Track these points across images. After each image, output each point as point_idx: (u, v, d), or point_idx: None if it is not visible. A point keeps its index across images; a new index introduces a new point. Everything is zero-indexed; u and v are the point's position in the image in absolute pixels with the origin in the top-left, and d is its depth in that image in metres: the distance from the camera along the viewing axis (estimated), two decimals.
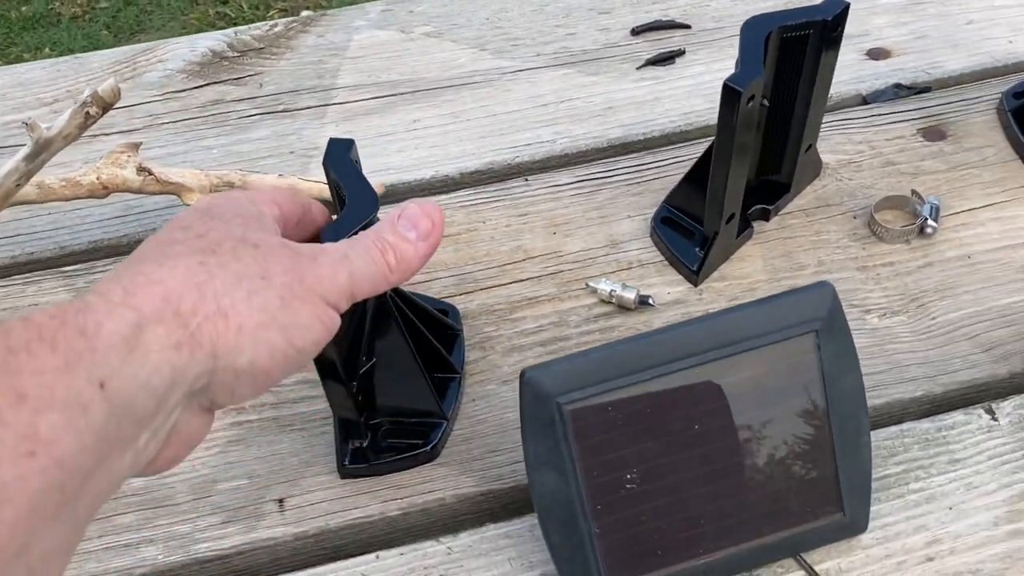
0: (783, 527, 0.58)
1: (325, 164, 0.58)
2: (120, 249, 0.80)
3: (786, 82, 0.69)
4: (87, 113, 0.60)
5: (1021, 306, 0.71)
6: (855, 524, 0.59)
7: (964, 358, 0.68)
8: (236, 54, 0.96)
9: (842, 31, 0.67)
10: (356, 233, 0.52)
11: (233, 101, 0.92)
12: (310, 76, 0.94)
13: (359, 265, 0.46)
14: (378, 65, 0.94)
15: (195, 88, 0.93)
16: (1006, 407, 0.65)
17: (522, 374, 0.54)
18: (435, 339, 0.67)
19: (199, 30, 2.37)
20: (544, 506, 0.55)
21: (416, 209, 0.49)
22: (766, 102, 0.68)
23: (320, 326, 0.44)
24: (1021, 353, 0.68)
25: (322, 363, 0.57)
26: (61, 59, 0.97)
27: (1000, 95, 0.84)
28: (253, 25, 0.99)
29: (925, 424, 0.65)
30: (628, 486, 0.55)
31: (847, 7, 0.66)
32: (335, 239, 0.51)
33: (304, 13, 2.36)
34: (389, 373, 0.63)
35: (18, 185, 0.61)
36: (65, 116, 0.61)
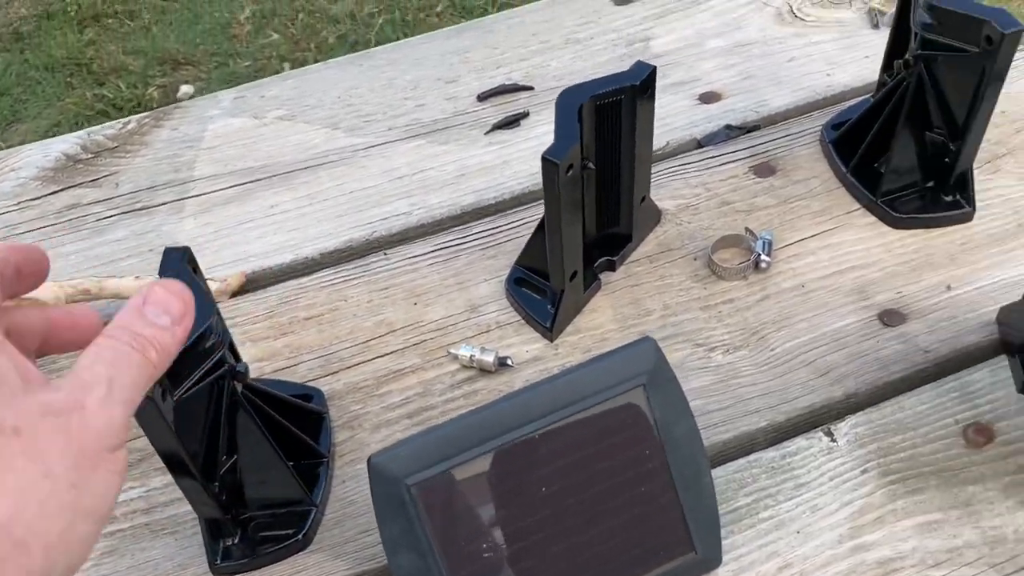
0: (641, 573, 0.61)
1: (160, 274, 0.60)
2: None
3: (609, 143, 0.73)
4: None
5: (851, 328, 0.75)
6: (708, 560, 0.62)
7: (803, 384, 0.72)
8: (90, 155, 0.97)
9: (653, 91, 0.72)
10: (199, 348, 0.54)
11: (90, 204, 0.92)
12: (166, 171, 0.95)
13: (126, 381, 0.41)
14: (233, 153, 0.95)
15: (50, 194, 0.93)
16: (843, 427, 0.70)
17: (368, 460, 0.56)
18: (298, 426, 0.68)
19: (77, 115, 2.34)
20: None
21: (162, 292, 0.45)
22: (591, 165, 0.72)
23: (116, 478, 0.40)
24: (854, 374, 0.73)
25: (173, 465, 0.58)
26: None
27: (821, 127, 0.90)
28: (106, 124, 1.00)
29: (771, 453, 0.69)
30: (486, 555, 0.57)
31: (654, 70, 0.70)
32: None
33: (183, 88, 2.36)
34: (251, 467, 0.65)
35: None
36: None
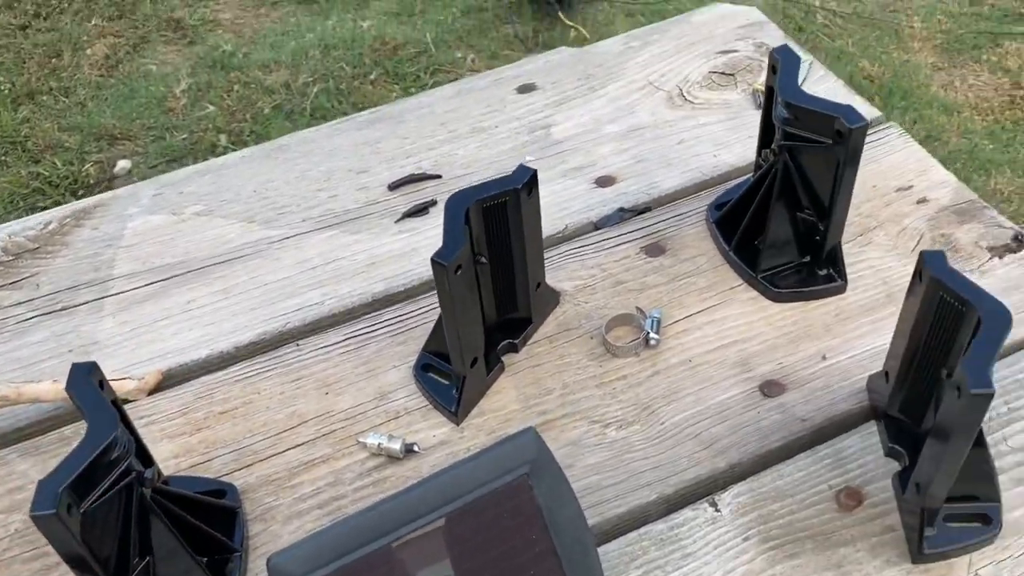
0: None
1: (67, 391, 0.63)
2: None
3: (499, 239, 0.78)
4: None
5: (733, 401, 0.81)
6: None
7: (690, 456, 0.77)
8: (11, 257, 1.00)
9: (536, 191, 0.77)
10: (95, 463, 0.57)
11: (11, 306, 0.95)
12: (87, 270, 0.98)
13: None
14: (152, 250, 0.99)
15: None
16: (726, 497, 0.74)
17: (268, 561, 0.59)
18: (210, 522, 0.71)
19: (12, 194, 2.35)
20: None
21: None
22: (484, 260, 0.77)
23: None
24: (737, 445, 0.78)
25: (82, 571, 0.61)
26: None
27: (706, 207, 0.96)
28: (27, 224, 1.03)
29: (660, 525, 0.73)
30: None
31: (535, 173, 0.76)
32: (72, 469, 0.56)
33: (120, 164, 2.39)
34: (165, 568, 0.67)
35: None
36: None
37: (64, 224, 1.03)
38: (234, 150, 2.16)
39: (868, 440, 0.77)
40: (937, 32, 2.76)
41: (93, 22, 2.91)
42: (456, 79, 2.24)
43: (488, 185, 0.75)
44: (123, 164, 2.44)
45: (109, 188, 2.26)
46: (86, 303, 0.95)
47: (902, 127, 1.04)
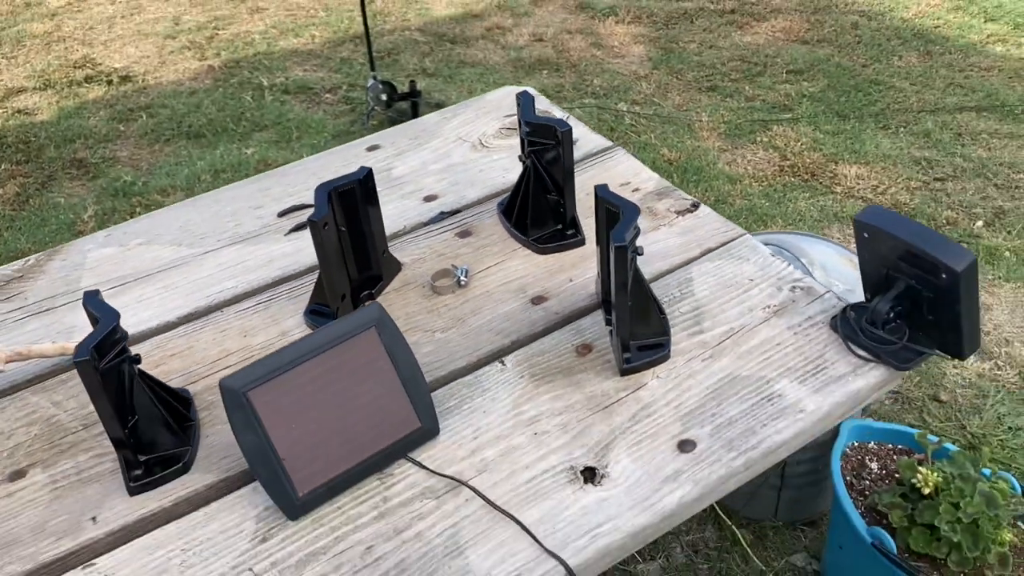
0: (391, 440, 1.05)
1: (84, 304, 1.03)
2: None
3: (353, 215, 1.22)
4: None
5: (515, 310, 1.25)
6: (430, 430, 1.08)
7: (486, 340, 1.21)
8: (2, 284, 1.37)
9: (373, 185, 1.22)
10: (113, 337, 0.97)
11: (6, 312, 1.32)
12: (61, 285, 1.36)
13: None
14: (108, 269, 1.38)
15: None
16: (509, 359, 1.18)
17: (220, 383, 0.99)
18: (175, 401, 1.10)
19: None
20: (250, 455, 0.99)
21: None
22: (343, 228, 1.21)
23: None
24: (516, 331, 1.22)
25: (103, 413, 0.99)
26: None
27: (497, 205, 1.43)
28: (13, 265, 1.41)
29: (468, 377, 1.16)
30: (294, 430, 1.01)
31: (370, 171, 1.21)
32: (87, 347, 0.95)
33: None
34: (146, 424, 1.06)
35: None
36: None
37: (40, 260, 1.42)
38: None
39: (596, 318, 1.23)
40: (720, 123, 3.42)
41: (3, 166, 3.28)
42: None
43: (341, 178, 1.20)
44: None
45: None
46: (64, 305, 1.33)
47: (695, 195, 1.54)
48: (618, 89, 3.65)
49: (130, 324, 1.28)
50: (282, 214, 1.47)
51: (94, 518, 1.03)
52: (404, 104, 3.41)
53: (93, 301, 1.03)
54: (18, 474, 1.09)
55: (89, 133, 3.47)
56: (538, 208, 1.34)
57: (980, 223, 2.88)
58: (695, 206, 1.41)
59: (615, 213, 1.11)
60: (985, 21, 4.04)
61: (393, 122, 3.42)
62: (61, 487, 1.07)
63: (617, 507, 0.99)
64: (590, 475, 1.03)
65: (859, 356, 1.13)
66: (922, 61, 3.77)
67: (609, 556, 0.97)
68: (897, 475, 1.82)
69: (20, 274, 1.39)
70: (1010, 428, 2.24)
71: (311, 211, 1.43)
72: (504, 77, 3.76)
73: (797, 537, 2.02)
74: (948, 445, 1.76)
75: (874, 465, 1.84)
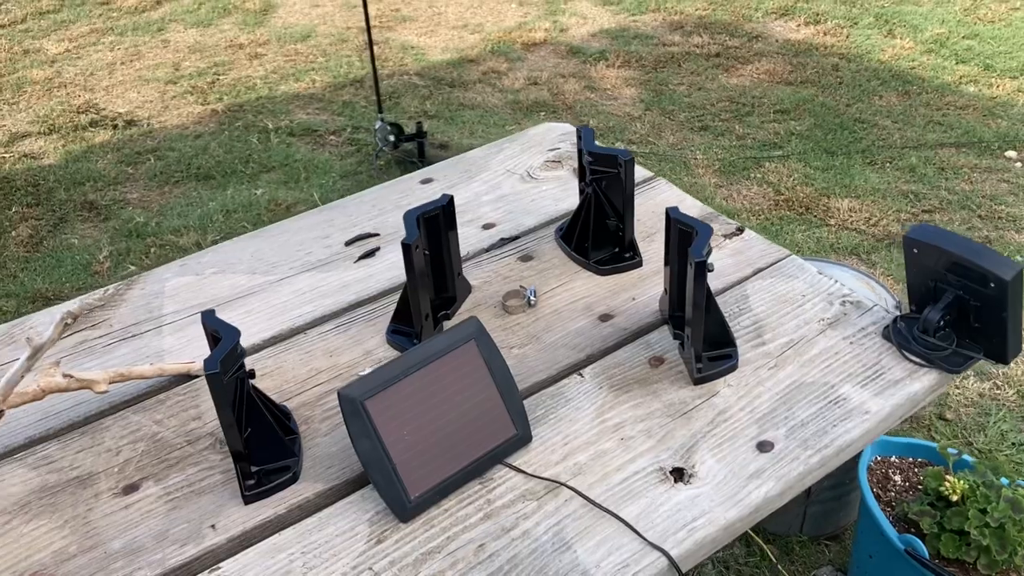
0: (490, 446, 1.12)
1: (203, 322, 1.09)
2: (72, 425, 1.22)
3: (436, 239, 1.30)
4: (66, 324, 1.06)
5: (584, 326, 1.33)
6: (525, 437, 1.15)
7: (563, 355, 1.29)
8: (87, 311, 1.43)
9: (453, 211, 1.30)
10: (234, 353, 1.03)
11: (95, 339, 1.38)
12: (143, 313, 1.42)
13: None
14: (187, 296, 1.45)
15: (64, 337, 1.38)
16: (587, 371, 1.26)
17: (338, 392, 1.06)
18: (280, 414, 1.16)
19: None
20: (366, 460, 1.06)
21: None
22: (426, 252, 1.29)
23: None
24: (589, 345, 1.30)
25: (225, 420, 1.05)
26: None
27: (554, 231, 1.52)
28: (93, 294, 1.47)
29: (551, 388, 1.24)
30: (406, 436, 1.08)
31: (451, 199, 1.29)
32: (216, 360, 1.02)
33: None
34: (258, 436, 1.12)
35: (22, 376, 1.04)
36: (50, 329, 1.06)
37: (119, 290, 1.48)
38: None
39: (663, 333, 1.31)
40: (715, 161, 3.56)
41: (14, 209, 3.31)
42: None
43: (425, 205, 1.28)
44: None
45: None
46: (149, 331, 1.39)
47: None
48: (614, 129, 3.78)
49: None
50: (349, 243, 1.54)
51: (213, 525, 1.08)
52: (409, 145, 3.50)
53: (212, 319, 1.10)
54: (132, 487, 1.14)
55: (98, 176, 3.52)
56: (598, 232, 1.43)
57: None
58: (740, 230, 1.51)
59: (688, 233, 1.20)
60: (956, 63, 4.25)
61: (400, 162, 3.52)
62: (176, 498, 1.12)
63: (709, 503, 1.07)
64: (679, 475, 1.11)
65: (913, 362, 1.23)
66: (901, 100, 3.96)
67: (705, 548, 1.05)
68: (920, 486, 1.91)
69: (102, 302, 1.45)
70: (1014, 444, 2.36)
71: (376, 239, 1.51)
72: (503, 119, 3.88)
73: (821, 551, 2.10)
74: (966, 457, 1.86)
75: (897, 477, 1.93)
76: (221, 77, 4.25)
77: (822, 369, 1.23)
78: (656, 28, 4.70)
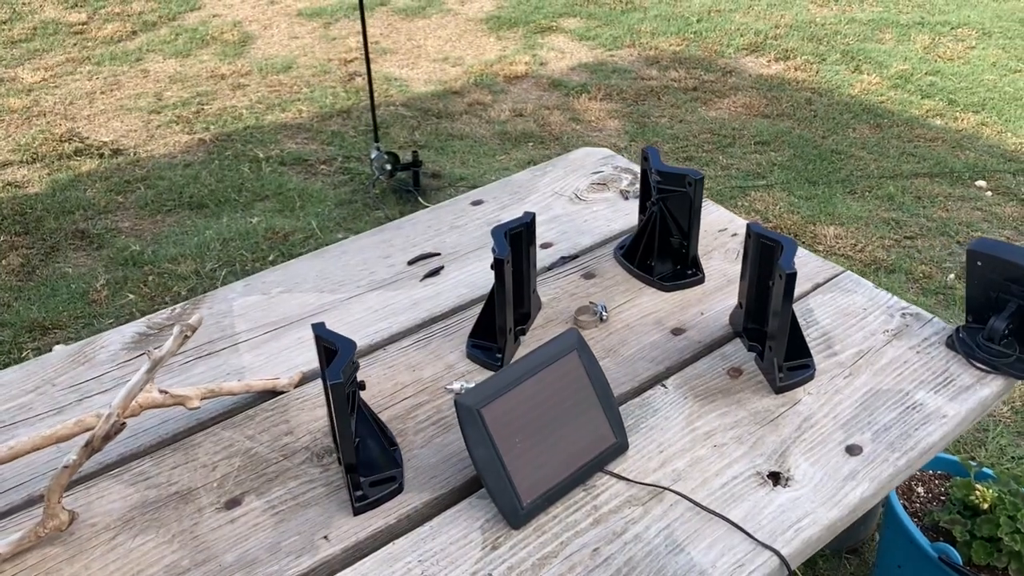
0: (593, 454, 1.15)
1: (315, 334, 1.11)
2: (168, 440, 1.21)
3: (517, 256, 1.33)
4: (185, 336, 1.06)
5: (659, 340, 1.38)
6: (623, 445, 1.18)
7: (643, 367, 1.32)
8: (156, 331, 1.42)
9: (534, 231, 1.34)
10: (351, 365, 1.05)
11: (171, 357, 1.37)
12: (215, 332, 1.42)
13: None
14: (258, 315, 1.45)
15: (138, 356, 1.37)
16: (669, 382, 1.30)
17: (455, 400, 1.08)
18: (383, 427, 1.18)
19: None
20: (482, 467, 1.08)
21: None
22: (510, 264, 1.32)
23: None
24: (668, 358, 1.34)
25: (342, 424, 1.06)
26: (27, 363, 1.36)
27: (612, 250, 1.56)
28: (161, 313, 1.46)
29: (636, 399, 1.27)
30: (519, 444, 1.10)
31: (534, 216, 1.33)
32: (338, 371, 1.03)
33: (56, 348, 2.69)
34: (364, 447, 1.13)
35: (141, 389, 1.04)
36: (169, 342, 1.06)
37: (186, 309, 1.47)
38: None
39: (736, 345, 1.36)
40: (703, 190, 3.64)
41: (2, 238, 3.25)
42: None
43: (511, 222, 1.31)
44: (59, 348, 2.75)
45: None
46: (224, 349, 1.39)
47: None
48: None
49: (299, 363, 1.35)
50: (412, 262, 1.56)
51: (326, 536, 1.09)
52: (404, 174, 3.53)
53: (325, 331, 1.11)
54: (234, 502, 1.14)
55: (87, 204, 3.47)
56: (662, 250, 1.48)
57: (952, 276, 3.16)
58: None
59: (771, 247, 1.25)
60: (922, 98, 4.44)
61: (395, 191, 3.54)
62: (281, 511, 1.12)
63: (810, 504, 1.11)
64: (776, 478, 1.15)
65: (980, 368, 1.29)
66: (874, 132, 4.11)
67: (811, 547, 1.09)
68: (943, 497, 1.98)
69: (171, 321, 1.45)
70: (1013, 458, 2.45)
71: (437, 259, 1.54)
72: (493, 148, 3.93)
73: (843, 564, 2.16)
74: (986, 469, 1.94)
75: (920, 489, 2.00)
76: (205, 107, 4.23)
77: (895, 377, 1.29)
78: (633, 63, 4.82)
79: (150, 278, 3.05)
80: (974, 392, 1.26)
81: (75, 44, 4.95)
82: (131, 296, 2.97)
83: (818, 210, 3.52)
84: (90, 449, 1.03)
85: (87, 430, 1.14)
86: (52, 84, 4.48)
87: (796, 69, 4.73)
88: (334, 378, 1.04)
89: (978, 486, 1.81)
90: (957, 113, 4.29)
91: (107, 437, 1.03)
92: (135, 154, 3.84)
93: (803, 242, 3.32)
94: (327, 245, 3.31)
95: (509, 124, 4.15)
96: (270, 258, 3.15)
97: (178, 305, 1.49)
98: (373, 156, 3.45)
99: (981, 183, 3.75)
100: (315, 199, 3.53)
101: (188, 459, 1.20)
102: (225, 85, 4.46)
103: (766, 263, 1.28)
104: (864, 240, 3.33)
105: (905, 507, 1.96)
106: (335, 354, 1.09)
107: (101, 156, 3.80)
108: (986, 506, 1.78)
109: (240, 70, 4.62)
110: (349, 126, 4.09)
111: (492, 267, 1.26)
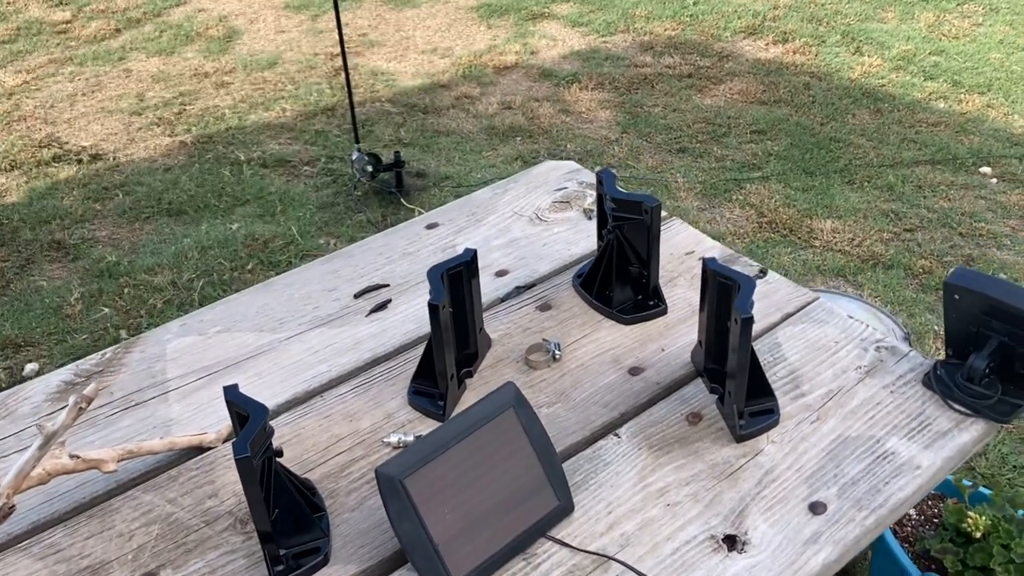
0: (533, 520, 1.06)
1: (226, 399, 1.02)
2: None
3: (457, 295, 1.24)
4: (80, 408, 0.98)
5: (614, 381, 1.28)
6: (566, 507, 1.09)
7: (596, 414, 1.23)
8: (83, 379, 1.35)
9: (476, 266, 1.25)
10: (263, 433, 0.96)
11: (95, 408, 1.29)
12: (146, 378, 1.34)
13: None
14: (192, 359, 1.37)
15: (62, 408, 1.29)
16: (622, 431, 1.21)
17: (376, 471, 0.99)
18: (306, 491, 1.09)
19: None
20: (407, 544, 0.99)
21: None
22: (450, 309, 1.23)
23: None
24: (622, 403, 1.25)
25: (253, 500, 0.98)
26: None
27: (571, 278, 1.47)
28: (89, 359, 1.38)
29: (588, 451, 1.18)
30: (447, 515, 1.01)
31: (475, 253, 1.24)
32: (245, 444, 0.94)
33: (28, 367, 2.63)
34: (287, 515, 1.05)
35: (34, 467, 0.96)
36: (63, 415, 0.98)
37: (117, 353, 1.39)
38: None
39: (698, 386, 1.27)
40: (696, 183, 3.54)
41: None
42: None
43: (449, 261, 1.22)
44: (31, 367, 2.69)
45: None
46: (154, 398, 1.31)
47: None
48: (592, 153, 3.75)
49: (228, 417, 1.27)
50: (358, 295, 1.48)
51: None
52: (387, 175, 3.44)
53: (236, 395, 1.03)
54: None
55: (64, 213, 3.40)
56: (621, 279, 1.39)
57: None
58: (763, 272, 1.47)
59: (728, 286, 1.16)
60: (925, 79, 4.29)
61: (378, 192, 3.45)
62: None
63: (767, 573, 1.02)
64: (731, 543, 1.06)
65: (958, 411, 1.19)
66: (874, 118, 3.98)
67: None
68: (936, 520, 1.89)
69: (100, 368, 1.37)
70: (1014, 467, 2.35)
71: (386, 290, 1.45)
72: (480, 145, 3.83)
73: None
74: (982, 489, 1.84)
75: (912, 511, 1.91)
76: (188, 107, 4.14)
77: (866, 422, 1.20)
78: (627, 49, 4.69)
79: (126, 290, 2.98)
80: (952, 438, 1.16)
81: (58, 44, 4.87)
82: (106, 310, 2.90)
83: (815, 203, 3.40)
84: None
85: None
86: (33, 87, 4.40)
87: (795, 52, 4.59)
88: (240, 452, 0.95)
89: (971, 513, 1.71)
90: (961, 95, 4.14)
91: None
92: (114, 159, 3.76)
93: (799, 237, 3.21)
94: (308, 251, 3.24)
95: (497, 118, 4.04)
96: (249, 267, 3.08)
97: (108, 349, 1.41)
98: (354, 158, 3.36)
99: (986, 170, 3.62)
100: (297, 203, 3.44)
101: (104, 527, 1.12)
102: (208, 84, 4.37)
103: (724, 301, 1.18)
104: (862, 234, 3.22)
105: (895, 531, 1.87)
106: (246, 419, 1.01)
107: (80, 162, 3.73)
108: (979, 534, 1.69)
109: (224, 67, 4.53)
110: (333, 124, 3.99)
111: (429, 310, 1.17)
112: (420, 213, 3.30)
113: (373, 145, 3.78)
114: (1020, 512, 1.75)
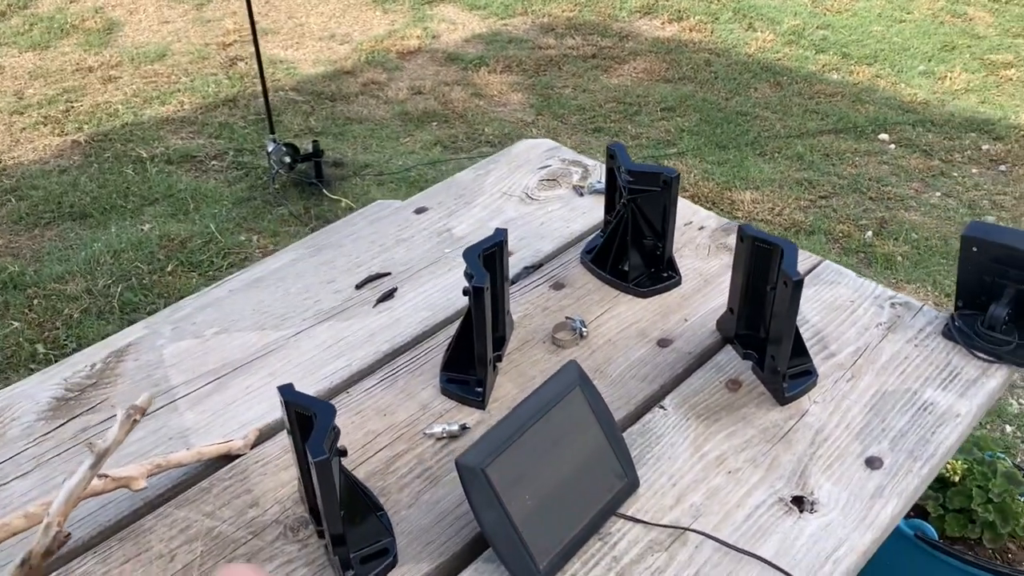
0: (605, 499, 1.04)
1: (284, 400, 0.95)
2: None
3: (493, 278, 1.20)
4: (133, 420, 0.89)
5: (645, 355, 1.27)
6: (633, 483, 1.08)
7: (636, 388, 1.22)
8: (76, 393, 1.23)
9: (506, 244, 1.20)
10: (332, 432, 0.90)
11: (97, 424, 1.18)
12: (148, 387, 1.24)
13: None
14: (194, 363, 1.27)
15: (59, 426, 1.18)
16: (666, 402, 1.19)
17: (456, 461, 0.95)
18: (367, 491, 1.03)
19: None
20: (492, 532, 0.95)
21: None
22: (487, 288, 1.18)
23: None
24: (659, 375, 1.24)
25: (329, 503, 0.92)
26: None
27: (579, 254, 1.45)
28: (75, 368, 1.26)
29: (637, 426, 1.16)
30: (528, 501, 0.98)
31: (506, 233, 1.20)
32: (321, 444, 0.88)
33: None
34: (355, 517, 0.99)
35: (85, 488, 0.87)
36: (115, 429, 0.88)
37: (108, 363, 1.28)
38: (56, 357, 2.35)
39: (729, 353, 1.27)
40: None
41: None
42: (246, 259, 2.66)
43: (483, 242, 1.17)
44: None
45: None
46: (162, 408, 1.21)
47: None
48: (510, 136, 3.73)
49: (251, 418, 1.19)
50: (360, 285, 1.41)
51: None
52: (305, 165, 3.32)
53: (295, 394, 0.96)
54: None
55: None
56: (636, 253, 1.37)
57: (870, 233, 3.18)
58: None
59: (767, 250, 1.16)
60: (816, 52, 4.47)
61: (297, 184, 3.32)
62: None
63: (842, 529, 1.03)
64: (800, 504, 1.07)
65: (982, 359, 1.24)
66: (775, 91, 4.12)
67: None
68: None
69: (92, 380, 1.25)
70: None
71: (388, 279, 1.39)
72: (395, 131, 3.75)
73: None
74: None
75: None
76: (75, 104, 3.88)
77: (899, 376, 1.23)
78: (528, 31, 4.68)
79: (35, 301, 2.77)
80: (981, 385, 1.21)
81: None
82: (16, 324, 2.68)
83: (732, 175, 3.50)
84: (27, 569, 0.86)
85: (15, 534, 0.96)
86: None
87: (691, 30, 4.69)
88: (317, 454, 0.89)
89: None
90: (852, 66, 4.34)
91: (48, 552, 0.86)
92: (0, 162, 3.48)
93: (722, 210, 3.29)
94: (230, 249, 3.09)
95: (409, 103, 3.96)
96: (169, 268, 2.91)
97: (97, 359, 1.29)
98: (271, 149, 3.22)
99: (884, 136, 3.80)
100: (210, 199, 3.27)
101: (140, 549, 1.03)
102: (94, 79, 4.10)
103: (761, 267, 1.18)
104: (781, 203, 3.33)
105: None
106: (308, 420, 0.94)
107: None
108: (957, 479, 1.77)
109: (109, 61, 4.26)
110: (237, 116, 3.82)
111: (466, 293, 1.12)
112: (347, 204, 3.20)
113: (283, 135, 3.64)
114: (988, 454, 1.85)
